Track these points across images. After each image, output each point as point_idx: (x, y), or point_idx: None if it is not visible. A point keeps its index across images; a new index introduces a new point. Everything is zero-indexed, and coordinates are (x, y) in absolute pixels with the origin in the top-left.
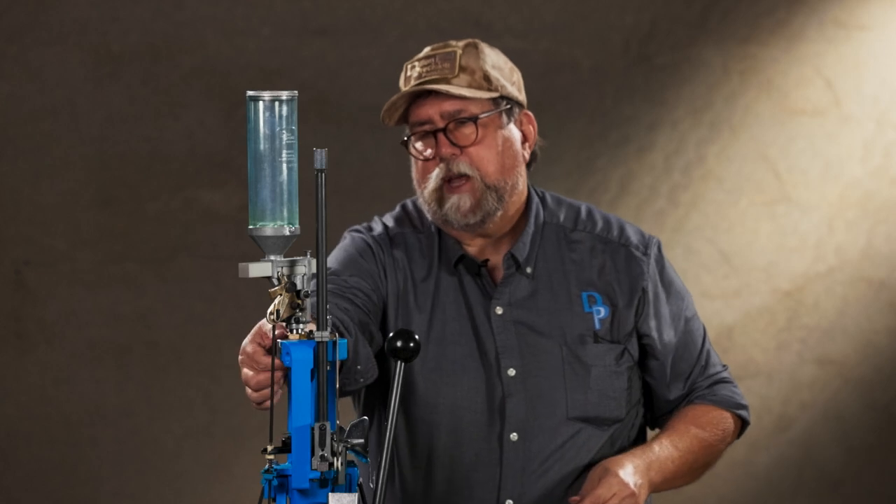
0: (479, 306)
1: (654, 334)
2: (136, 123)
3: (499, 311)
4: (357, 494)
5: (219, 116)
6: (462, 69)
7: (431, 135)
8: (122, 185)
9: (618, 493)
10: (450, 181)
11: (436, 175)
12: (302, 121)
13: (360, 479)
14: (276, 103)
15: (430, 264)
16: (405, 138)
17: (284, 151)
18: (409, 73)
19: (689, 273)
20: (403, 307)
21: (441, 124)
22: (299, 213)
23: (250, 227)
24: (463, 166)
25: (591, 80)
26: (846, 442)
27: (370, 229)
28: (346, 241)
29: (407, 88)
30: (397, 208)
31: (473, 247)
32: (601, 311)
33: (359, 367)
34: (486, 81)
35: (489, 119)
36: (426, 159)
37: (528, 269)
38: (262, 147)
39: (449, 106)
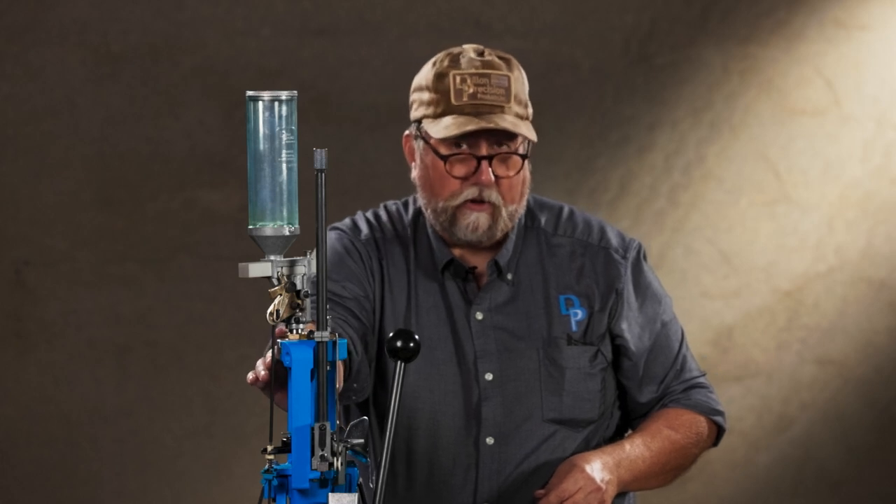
0: (459, 311)
1: (627, 335)
2: (136, 123)
3: (479, 316)
4: (357, 494)
5: (219, 116)
6: (514, 98)
7: (472, 156)
8: (122, 185)
9: (583, 487)
10: (472, 200)
11: (464, 195)
12: (302, 121)
13: (360, 479)
14: (276, 103)
15: (408, 268)
16: (434, 151)
17: (284, 151)
18: (458, 86)
19: (689, 273)
20: (379, 312)
21: (486, 151)
22: (299, 213)
23: (250, 227)
24: (494, 196)
25: (591, 80)
26: (846, 442)
27: (355, 228)
28: (332, 239)
29: (467, 112)
30: (381, 209)
31: (456, 251)
32: (578, 314)
33: (355, 385)
34: (526, 109)
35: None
36: (461, 178)
37: (509, 276)
38: (261, 147)
39: (501, 138)
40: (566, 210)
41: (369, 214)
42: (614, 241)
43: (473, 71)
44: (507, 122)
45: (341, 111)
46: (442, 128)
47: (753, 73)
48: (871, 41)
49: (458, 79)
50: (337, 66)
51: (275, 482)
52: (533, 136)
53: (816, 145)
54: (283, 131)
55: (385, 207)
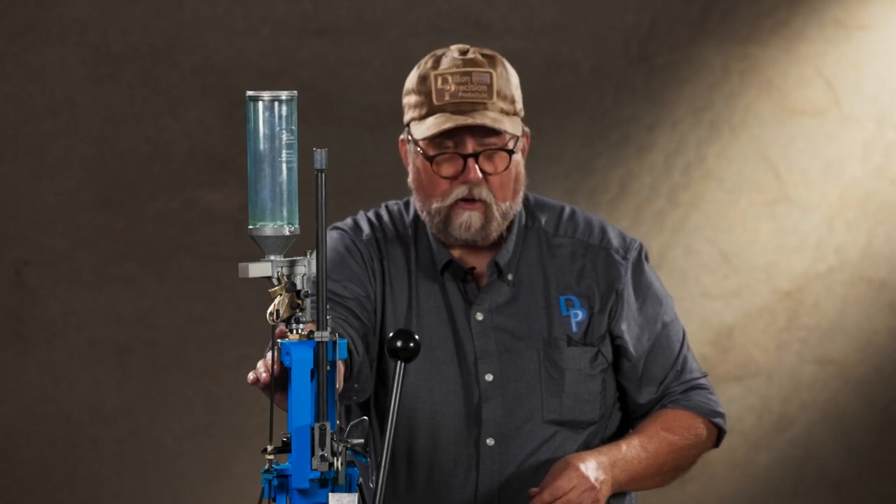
0: (460, 311)
1: (627, 336)
2: (136, 123)
3: (479, 317)
4: (357, 494)
5: (219, 116)
6: (497, 94)
7: (458, 155)
8: (122, 185)
9: (577, 485)
10: (463, 199)
11: (455, 194)
12: (302, 121)
13: (360, 479)
14: (276, 103)
15: (409, 269)
16: (422, 153)
17: (284, 151)
18: (440, 86)
19: (689, 273)
20: (380, 312)
21: (471, 149)
22: (299, 213)
23: (250, 227)
24: (485, 193)
25: (591, 80)
26: (846, 442)
27: (356, 228)
28: (334, 239)
29: (449, 111)
30: (382, 209)
31: (455, 252)
32: (578, 315)
33: (356, 385)
34: (513, 105)
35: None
36: (450, 178)
37: (510, 276)
38: (261, 147)
39: (486, 134)
40: (567, 210)
41: (371, 214)
42: (615, 241)
43: (455, 70)
44: (487, 118)
45: (341, 111)
46: (424, 128)
47: (753, 73)
48: (871, 41)
49: (439, 79)
50: (337, 66)
51: (275, 482)
52: (517, 131)
53: (816, 145)
54: (283, 131)
55: (387, 207)
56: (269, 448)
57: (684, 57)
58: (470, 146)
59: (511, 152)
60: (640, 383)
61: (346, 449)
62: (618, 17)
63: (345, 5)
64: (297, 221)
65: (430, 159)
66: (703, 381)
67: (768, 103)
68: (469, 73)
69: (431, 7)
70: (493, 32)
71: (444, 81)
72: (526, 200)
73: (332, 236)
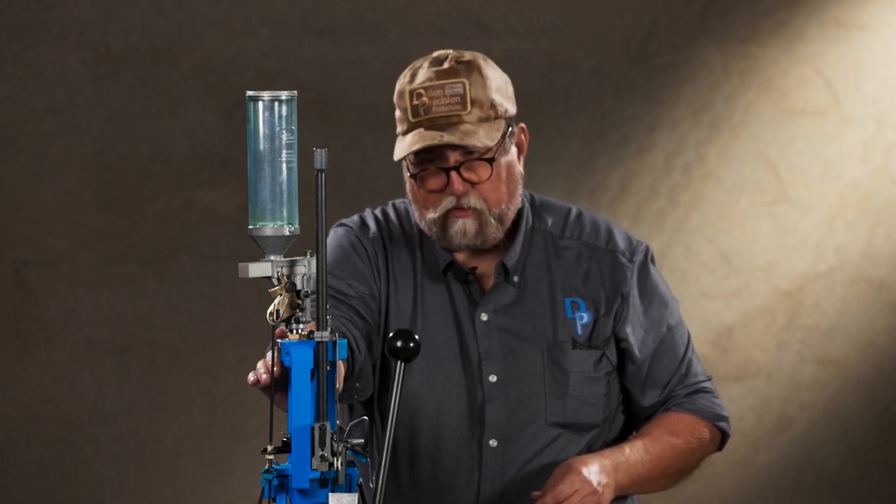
0: (464, 312)
1: (632, 339)
2: (136, 123)
3: (484, 317)
4: (357, 494)
5: (219, 116)
6: (472, 102)
7: (440, 169)
8: (122, 185)
9: (579, 489)
10: (455, 209)
11: (444, 205)
12: (302, 121)
13: (360, 479)
14: (276, 103)
15: (415, 268)
16: (407, 169)
17: (284, 151)
18: (415, 102)
19: (689, 273)
20: (385, 311)
21: (453, 161)
22: (299, 213)
23: (250, 227)
24: (474, 200)
25: (591, 80)
26: (846, 442)
27: (363, 225)
28: (339, 236)
29: (423, 127)
30: (389, 207)
31: (461, 254)
32: (584, 317)
33: (357, 384)
34: (493, 110)
35: (499, 153)
36: (437, 191)
37: (515, 278)
38: (261, 147)
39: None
40: (574, 212)
41: (378, 212)
42: (621, 244)
43: (428, 84)
44: (458, 132)
45: (341, 111)
46: (402, 147)
47: (753, 73)
48: (871, 41)
49: (413, 95)
50: (337, 66)
51: (275, 482)
52: (492, 139)
53: (816, 145)
54: (283, 131)
55: (394, 206)
56: (269, 448)
57: (684, 57)
58: (451, 159)
59: (491, 161)
60: (645, 386)
61: (346, 449)
62: (618, 17)
63: (345, 5)
64: (297, 221)
65: (413, 176)
66: (707, 384)
67: (768, 103)
68: (442, 86)
69: (431, 7)
70: (493, 32)
71: (419, 96)
72: (532, 202)
73: (337, 233)
